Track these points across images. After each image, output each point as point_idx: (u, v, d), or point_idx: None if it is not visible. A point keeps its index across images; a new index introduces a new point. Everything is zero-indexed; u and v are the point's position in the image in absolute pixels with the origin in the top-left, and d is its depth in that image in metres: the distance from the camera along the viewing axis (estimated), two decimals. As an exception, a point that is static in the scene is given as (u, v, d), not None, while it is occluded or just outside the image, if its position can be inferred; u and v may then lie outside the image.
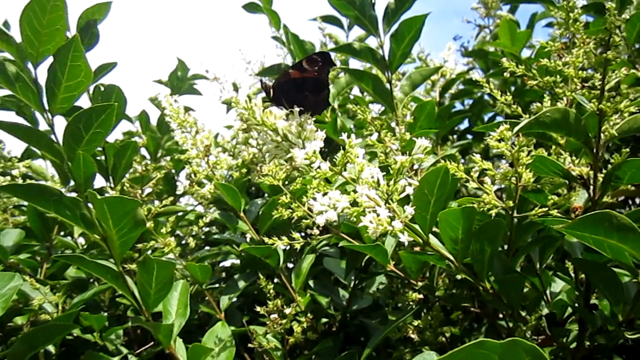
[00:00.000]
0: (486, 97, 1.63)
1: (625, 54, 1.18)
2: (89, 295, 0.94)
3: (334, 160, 0.56)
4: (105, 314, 1.07)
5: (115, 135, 1.87)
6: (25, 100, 0.63)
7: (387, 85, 1.08)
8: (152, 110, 1.59)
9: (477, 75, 0.70)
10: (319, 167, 0.55)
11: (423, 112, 1.07)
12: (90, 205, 0.68)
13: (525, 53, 1.37)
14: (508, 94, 0.69)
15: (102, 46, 1.02)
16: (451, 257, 0.59)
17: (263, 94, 0.72)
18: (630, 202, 1.33)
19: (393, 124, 1.08)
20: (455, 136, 1.71)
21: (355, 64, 2.03)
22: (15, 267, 1.02)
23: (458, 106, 1.69)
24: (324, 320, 1.02)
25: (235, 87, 1.78)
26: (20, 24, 0.57)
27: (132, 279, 0.73)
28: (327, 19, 1.69)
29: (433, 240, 0.59)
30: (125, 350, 0.97)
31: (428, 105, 1.06)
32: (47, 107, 0.64)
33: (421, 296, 0.78)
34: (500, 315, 0.79)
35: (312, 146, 0.56)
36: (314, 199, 0.56)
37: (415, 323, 0.82)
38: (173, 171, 1.44)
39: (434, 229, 0.61)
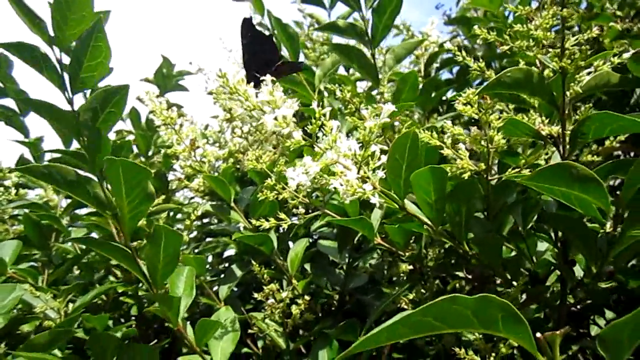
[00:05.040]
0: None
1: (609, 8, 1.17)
2: (90, 298, 0.96)
3: (306, 129, 0.57)
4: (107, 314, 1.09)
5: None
6: (51, 81, 0.66)
7: (372, 60, 1.08)
8: (141, 109, 1.60)
9: (449, 44, 0.70)
10: (290, 134, 0.56)
11: (406, 84, 1.06)
12: (102, 185, 0.71)
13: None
14: (481, 60, 0.69)
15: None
16: (428, 222, 0.60)
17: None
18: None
19: (378, 97, 1.09)
20: (445, 107, 1.70)
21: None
22: (16, 278, 1.03)
23: (447, 75, 1.69)
24: (323, 300, 1.04)
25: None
26: (51, 10, 0.61)
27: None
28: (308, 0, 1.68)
29: (410, 205, 0.60)
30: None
31: (411, 77, 1.06)
32: (68, 87, 0.67)
33: (411, 267, 0.79)
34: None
35: (281, 112, 0.56)
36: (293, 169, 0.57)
37: (410, 296, 0.83)
38: (163, 168, 1.45)
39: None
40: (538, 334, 0.37)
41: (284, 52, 1.29)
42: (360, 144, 0.56)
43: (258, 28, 0.79)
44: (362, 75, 1.15)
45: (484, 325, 0.36)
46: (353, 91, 1.52)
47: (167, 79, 1.67)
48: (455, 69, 1.76)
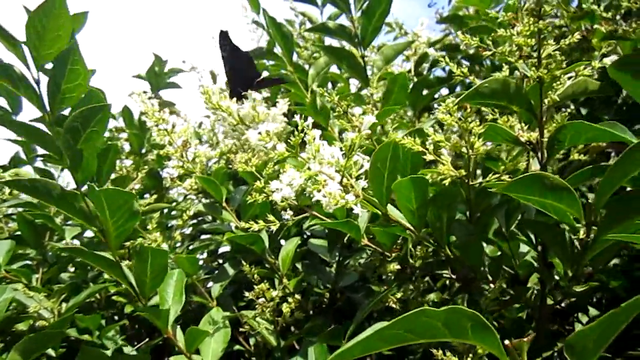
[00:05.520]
0: (465, 62, 1.63)
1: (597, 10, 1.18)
2: (83, 298, 0.97)
3: (290, 141, 0.58)
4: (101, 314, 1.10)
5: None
6: (29, 100, 0.68)
7: (361, 61, 1.09)
8: (134, 106, 1.60)
9: (432, 50, 0.71)
10: (274, 148, 0.57)
11: (396, 84, 1.07)
12: (88, 199, 0.72)
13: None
14: (464, 66, 0.71)
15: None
16: (410, 227, 0.61)
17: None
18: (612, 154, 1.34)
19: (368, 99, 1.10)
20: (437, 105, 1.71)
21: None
22: (10, 278, 1.05)
23: (440, 72, 1.69)
24: (314, 298, 1.05)
25: (213, 76, 1.78)
26: (27, 29, 0.62)
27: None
28: (300, -3, 1.68)
29: (392, 211, 0.62)
30: (122, 343, 1.00)
31: (400, 78, 1.07)
32: (48, 108, 0.68)
33: (398, 267, 0.81)
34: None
35: (264, 127, 0.58)
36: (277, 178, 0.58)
37: (398, 295, 0.85)
38: (157, 167, 1.46)
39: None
40: (506, 342, 0.38)
41: (277, 50, 1.31)
42: (344, 153, 0.57)
43: (234, 42, 0.80)
44: (352, 76, 1.16)
45: (454, 335, 0.37)
46: (346, 89, 1.54)
47: (159, 77, 1.68)
48: (448, 67, 1.76)
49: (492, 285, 0.66)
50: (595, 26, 1.12)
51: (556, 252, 0.58)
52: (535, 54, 0.59)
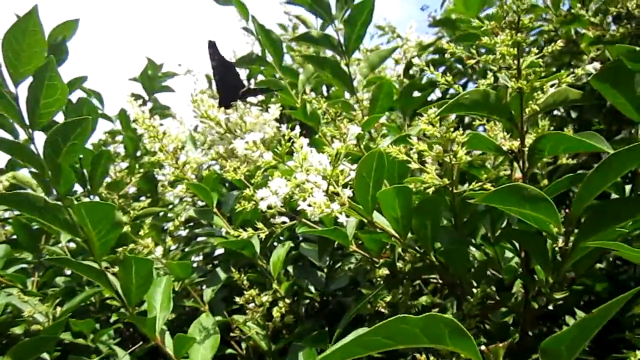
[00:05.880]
0: (458, 64, 1.64)
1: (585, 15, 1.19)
2: (77, 302, 0.98)
3: (277, 150, 0.59)
4: (96, 317, 1.11)
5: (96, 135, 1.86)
6: (9, 116, 0.69)
7: (345, 69, 1.11)
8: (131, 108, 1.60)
9: (417, 59, 0.72)
10: (261, 157, 0.59)
11: (381, 91, 1.09)
12: (70, 213, 0.73)
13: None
14: (448, 74, 0.72)
15: (81, 44, 1.05)
16: (396, 234, 0.63)
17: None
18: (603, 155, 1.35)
19: (356, 106, 1.11)
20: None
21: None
22: (5, 283, 1.06)
23: (432, 75, 1.70)
24: (305, 302, 1.06)
25: (209, 79, 1.79)
26: (2, 47, 0.63)
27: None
28: (295, 1, 1.69)
29: (378, 219, 0.63)
30: (117, 349, 1.01)
31: (385, 85, 1.08)
32: (27, 123, 0.70)
33: (387, 272, 0.82)
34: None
35: (251, 137, 0.59)
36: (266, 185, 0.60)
37: (388, 299, 0.86)
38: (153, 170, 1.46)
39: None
40: (482, 347, 0.40)
41: (268, 58, 1.31)
42: (331, 161, 0.59)
43: (221, 53, 0.82)
44: (337, 85, 1.17)
45: (432, 341, 0.39)
46: (340, 93, 1.54)
47: (152, 80, 1.68)
48: (441, 69, 1.78)
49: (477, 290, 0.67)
50: (583, 31, 1.13)
51: (537, 260, 0.59)
52: (509, 69, 0.60)
